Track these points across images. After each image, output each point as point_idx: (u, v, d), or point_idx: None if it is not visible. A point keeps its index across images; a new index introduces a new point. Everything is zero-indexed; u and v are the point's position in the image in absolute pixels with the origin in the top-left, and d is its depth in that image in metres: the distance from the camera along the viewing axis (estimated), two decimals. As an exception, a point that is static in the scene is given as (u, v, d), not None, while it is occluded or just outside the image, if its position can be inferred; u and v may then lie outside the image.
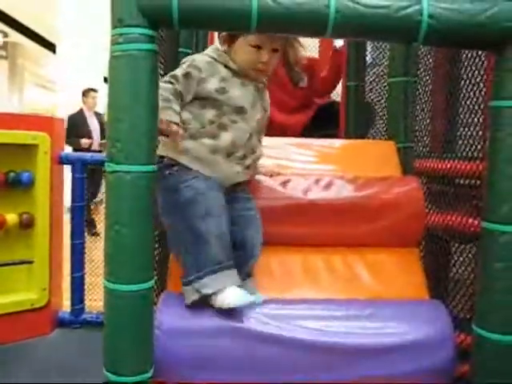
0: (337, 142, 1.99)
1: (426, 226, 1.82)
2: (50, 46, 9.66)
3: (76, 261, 2.77)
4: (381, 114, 2.48)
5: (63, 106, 6.90)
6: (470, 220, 1.77)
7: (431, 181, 2.10)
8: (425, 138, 2.14)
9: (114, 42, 1.11)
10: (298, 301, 1.44)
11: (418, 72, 2.08)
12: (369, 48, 2.72)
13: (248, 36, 1.47)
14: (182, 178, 1.44)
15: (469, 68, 1.86)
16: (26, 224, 2.54)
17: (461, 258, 1.94)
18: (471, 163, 1.80)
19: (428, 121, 2.12)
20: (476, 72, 1.82)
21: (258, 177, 1.66)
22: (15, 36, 9.91)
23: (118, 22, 1.10)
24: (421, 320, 1.36)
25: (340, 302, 1.44)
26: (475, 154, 1.82)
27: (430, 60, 2.11)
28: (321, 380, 1.33)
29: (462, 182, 1.95)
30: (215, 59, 1.53)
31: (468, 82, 1.86)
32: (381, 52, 2.59)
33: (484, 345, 1.21)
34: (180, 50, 2.02)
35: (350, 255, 1.63)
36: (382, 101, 2.48)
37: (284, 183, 1.67)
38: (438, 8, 1.12)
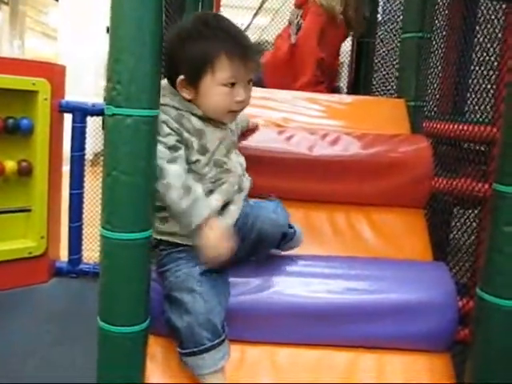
0: (346, 98, 1.94)
1: (433, 189, 1.78)
2: (53, -7, 9.44)
3: (74, 211, 2.76)
4: (391, 71, 2.41)
5: (65, 55, 6.76)
6: (479, 184, 1.73)
7: (438, 143, 2.05)
8: (434, 99, 2.08)
9: (117, -23, 1.04)
10: (298, 256, 1.41)
11: (434, 28, 2.00)
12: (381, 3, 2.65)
13: (216, 73, 1.20)
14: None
15: (484, 26, 1.79)
16: (25, 172, 2.52)
17: (463, 223, 1.91)
18: (481, 127, 1.75)
19: (439, 80, 2.06)
20: (491, 30, 1.75)
21: (262, 129, 1.61)
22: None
23: (121, -46, 1.03)
24: (424, 281, 1.33)
25: (342, 260, 1.41)
26: (485, 118, 1.77)
27: (446, 17, 2.03)
28: (319, 339, 1.32)
29: (470, 146, 1.90)
30: (178, 109, 1.24)
31: (482, 40, 1.79)
32: (393, 8, 2.51)
33: (488, 309, 1.18)
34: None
35: (354, 213, 1.60)
36: (392, 58, 2.42)
37: (289, 138, 1.62)
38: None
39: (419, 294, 1.30)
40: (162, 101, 1.20)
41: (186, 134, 1.23)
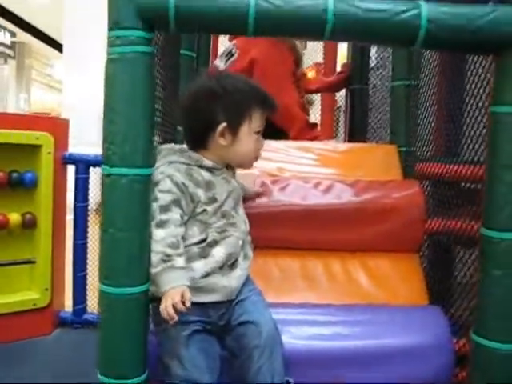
0: (339, 146, 1.98)
1: (428, 230, 1.80)
2: (58, 46, 9.70)
3: (78, 260, 2.77)
4: (384, 117, 2.46)
5: (69, 106, 6.90)
6: (473, 224, 1.75)
7: (433, 185, 2.08)
8: (428, 141, 2.12)
9: (110, 44, 1.10)
10: (295, 305, 1.43)
11: (422, 75, 2.06)
12: (373, 51, 2.72)
13: (252, 122, 1.30)
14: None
15: (474, 71, 1.84)
16: (29, 224, 2.55)
17: (461, 264, 1.92)
18: (474, 167, 1.78)
19: (431, 124, 2.10)
20: (481, 75, 1.79)
21: (257, 180, 1.65)
22: (23, 36, 9.98)
23: (114, 24, 1.09)
24: (419, 326, 1.35)
25: (338, 307, 1.43)
26: (478, 158, 1.80)
27: (435, 63, 2.09)
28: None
29: (464, 185, 1.93)
30: (188, 164, 1.29)
31: (472, 85, 1.84)
32: (384, 55, 2.58)
33: (482, 353, 1.20)
34: (182, 52, 2.00)
35: (350, 260, 1.62)
36: (385, 105, 2.48)
37: (283, 188, 1.65)
38: (437, 12, 1.10)
39: (412, 339, 1.32)
40: (170, 159, 1.28)
41: (191, 189, 1.25)
